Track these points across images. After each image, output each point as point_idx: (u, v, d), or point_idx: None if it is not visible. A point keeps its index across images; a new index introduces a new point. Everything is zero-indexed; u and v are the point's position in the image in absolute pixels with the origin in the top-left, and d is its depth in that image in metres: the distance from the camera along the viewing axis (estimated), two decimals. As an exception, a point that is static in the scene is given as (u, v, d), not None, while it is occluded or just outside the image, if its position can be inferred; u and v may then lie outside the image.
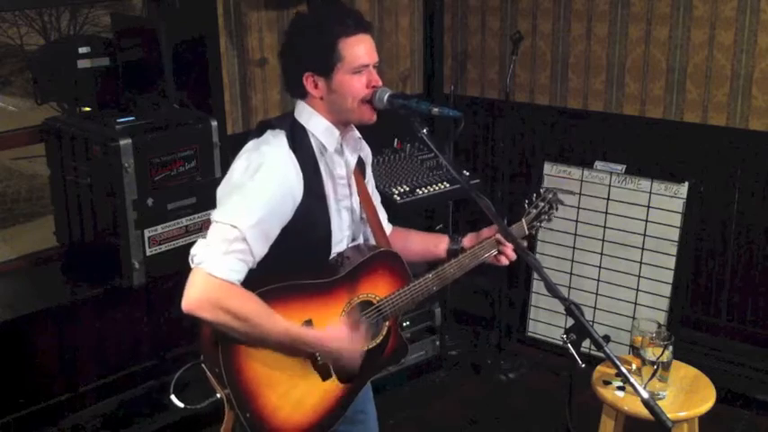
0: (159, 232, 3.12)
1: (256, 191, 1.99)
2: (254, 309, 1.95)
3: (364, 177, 2.33)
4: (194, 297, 1.90)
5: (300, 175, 2.06)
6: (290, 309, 2.05)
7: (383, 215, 2.41)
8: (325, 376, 2.14)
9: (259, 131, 2.12)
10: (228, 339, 1.97)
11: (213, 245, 1.93)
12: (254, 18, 3.74)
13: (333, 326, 2.10)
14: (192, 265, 1.94)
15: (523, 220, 2.50)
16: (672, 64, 3.82)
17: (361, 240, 2.31)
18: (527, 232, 2.50)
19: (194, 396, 2.11)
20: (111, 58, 3.24)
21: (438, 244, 2.42)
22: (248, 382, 2.01)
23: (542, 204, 2.52)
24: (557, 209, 2.56)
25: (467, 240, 2.40)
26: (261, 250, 1.99)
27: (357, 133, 2.27)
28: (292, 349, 2.05)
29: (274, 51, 3.81)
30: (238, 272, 1.94)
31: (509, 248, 2.36)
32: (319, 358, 2.11)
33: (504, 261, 2.38)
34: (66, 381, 3.24)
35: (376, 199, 2.39)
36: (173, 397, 2.08)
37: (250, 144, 2.10)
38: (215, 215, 1.99)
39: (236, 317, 1.92)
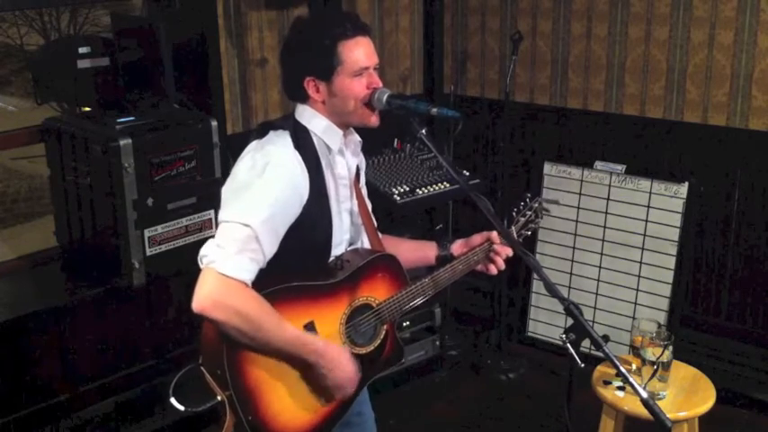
0: (159, 232, 3.12)
1: (265, 189, 1.98)
2: (264, 313, 1.95)
3: (359, 184, 2.34)
4: (206, 297, 1.89)
5: (306, 173, 2.06)
6: (293, 310, 2.05)
7: (374, 223, 2.42)
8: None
9: (261, 132, 2.12)
10: (234, 341, 1.96)
11: (225, 244, 1.92)
12: (254, 18, 3.74)
13: (346, 353, 2.11)
14: (202, 266, 1.93)
15: (513, 228, 2.50)
16: (672, 64, 3.82)
17: (359, 245, 2.31)
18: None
19: (193, 398, 2.09)
20: (111, 58, 3.24)
21: (427, 251, 2.43)
22: (251, 385, 2.01)
23: (529, 213, 2.53)
24: (542, 217, 2.58)
25: (455, 247, 2.42)
26: (271, 249, 1.99)
27: (358, 137, 2.27)
28: (296, 357, 2.04)
29: (274, 51, 3.81)
30: (250, 272, 1.94)
31: (500, 258, 2.38)
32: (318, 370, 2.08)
33: (493, 270, 2.40)
34: (67, 381, 3.24)
35: (369, 206, 2.40)
36: (172, 400, 2.05)
37: (253, 144, 2.10)
38: (223, 215, 1.98)
39: (247, 319, 1.91)
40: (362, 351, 2.19)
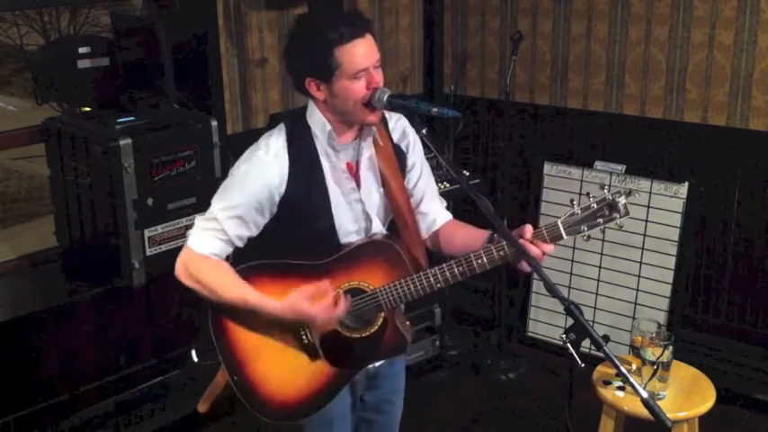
0: (159, 232, 3.13)
1: (234, 180, 2.18)
2: (219, 279, 2.15)
3: (404, 167, 2.28)
4: (177, 265, 2.21)
5: (286, 170, 2.14)
6: (275, 285, 2.16)
7: (436, 206, 2.37)
8: (312, 356, 2.20)
9: (271, 125, 2.27)
10: (217, 308, 2.18)
11: (198, 223, 2.21)
12: (254, 18, 3.74)
13: (292, 294, 2.11)
14: None
15: (559, 222, 2.11)
16: (672, 64, 3.82)
17: (380, 231, 2.27)
18: (564, 236, 2.11)
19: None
20: (111, 58, 3.24)
21: (478, 240, 2.22)
22: (235, 351, 2.21)
23: (595, 206, 2.11)
24: (623, 213, 2.13)
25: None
26: (237, 231, 2.17)
27: (374, 127, 2.23)
28: (271, 321, 2.14)
29: (274, 51, 3.81)
30: (213, 247, 2.17)
31: (535, 251, 2.08)
32: (304, 338, 2.19)
33: (526, 268, 2.08)
34: (67, 381, 3.24)
35: (422, 188, 2.33)
36: (193, 352, 2.33)
37: (262, 136, 2.22)
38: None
39: (204, 285, 2.15)
40: (355, 335, 2.20)
